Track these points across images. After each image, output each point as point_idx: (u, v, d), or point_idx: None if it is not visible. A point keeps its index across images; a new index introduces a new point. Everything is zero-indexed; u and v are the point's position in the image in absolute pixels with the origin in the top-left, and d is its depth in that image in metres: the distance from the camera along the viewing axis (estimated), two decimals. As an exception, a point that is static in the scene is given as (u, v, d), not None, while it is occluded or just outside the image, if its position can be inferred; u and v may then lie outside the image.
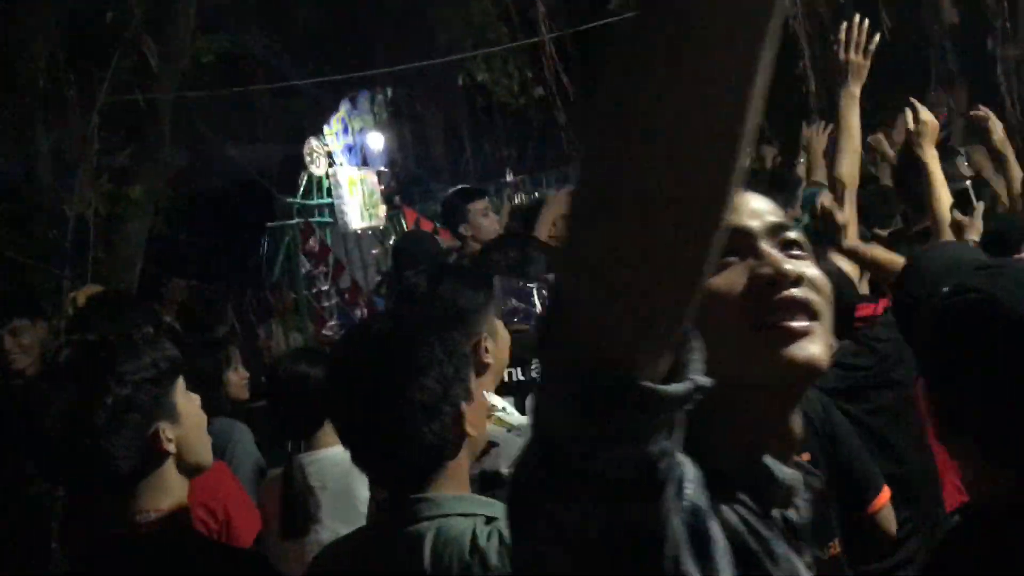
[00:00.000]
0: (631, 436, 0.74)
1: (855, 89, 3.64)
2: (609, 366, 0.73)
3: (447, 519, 1.74)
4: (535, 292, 2.02)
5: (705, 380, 0.79)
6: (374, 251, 9.71)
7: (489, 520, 1.74)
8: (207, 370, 3.93)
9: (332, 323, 8.39)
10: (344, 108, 9.42)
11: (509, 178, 10.39)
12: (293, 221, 8.20)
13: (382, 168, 9.53)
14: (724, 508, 0.89)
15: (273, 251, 9.62)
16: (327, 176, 8.93)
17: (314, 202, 8.76)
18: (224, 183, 11.06)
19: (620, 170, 0.70)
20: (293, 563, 2.78)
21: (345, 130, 9.41)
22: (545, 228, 5.74)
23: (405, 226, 10.97)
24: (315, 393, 2.90)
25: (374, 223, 9.64)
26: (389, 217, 10.41)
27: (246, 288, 10.72)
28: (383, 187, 9.99)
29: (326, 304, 8.50)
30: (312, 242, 8.21)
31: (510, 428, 2.30)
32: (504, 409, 2.45)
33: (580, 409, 0.74)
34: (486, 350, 2.39)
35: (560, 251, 0.80)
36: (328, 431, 3.02)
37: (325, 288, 8.57)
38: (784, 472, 0.99)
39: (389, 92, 10.02)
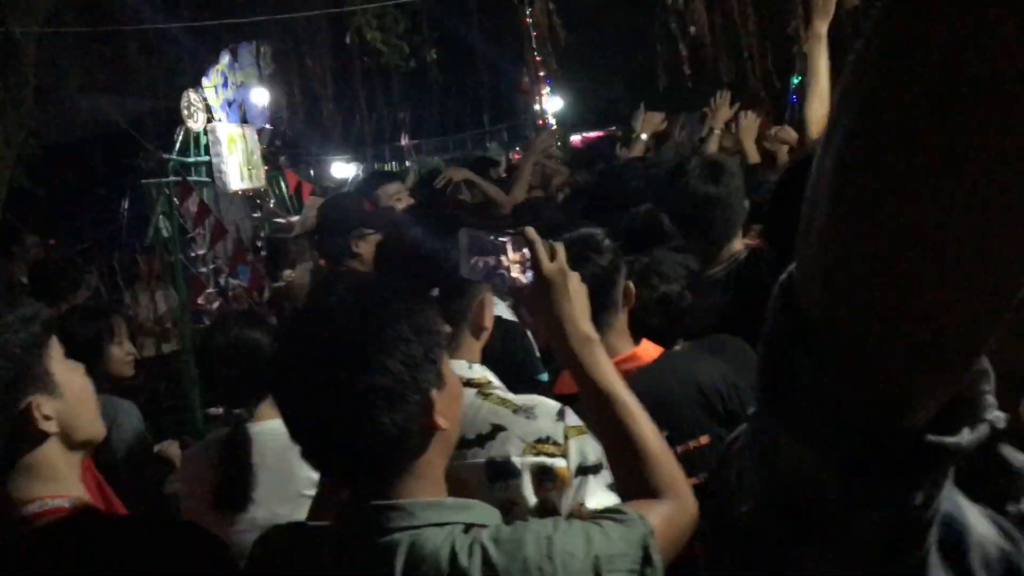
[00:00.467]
0: (904, 493, 0.62)
1: (820, 28, 3.43)
2: (887, 415, 0.58)
3: (420, 531, 1.46)
4: (508, 247, 1.73)
5: (1000, 417, 0.63)
6: (255, 214, 9.18)
7: (468, 528, 1.48)
8: (85, 341, 3.55)
9: (209, 291, 7.85)
10: (224, 60, 8.81)
11: (404, 142, 9.96)
12: (169, 179, 7.59)
13: (267, 126, 8.97)
14: (974, 508, 0.76)
15: (145, 210, 8.98)
16: (205, 132, 8.33)
17: (191, 159, 8.15)
18: (91, 135, 10.28)
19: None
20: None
21: (225, 84, 8.81)
22: (522, 190, 5.49)
23: (286, 189, 10.46)
24: (264, 360, 2.73)
25: (254, 184, 9.10)
26: (269, 179, 9.88)
27: (113, 249, 10.04)
28: (264, 146, 9.45)
29: (203, 269, 7.94)
30: (190, 202, 7.62)
31: (516, 409, 2.01)
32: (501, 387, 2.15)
33: (846, 467, 0.60)
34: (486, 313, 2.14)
35: (811, 254, 0.59)
36: (269, 403, 2.78)
37: (202, 252, 8.00)
38: (1019, 460, 0.86)
39: (271, 47, 9.45)
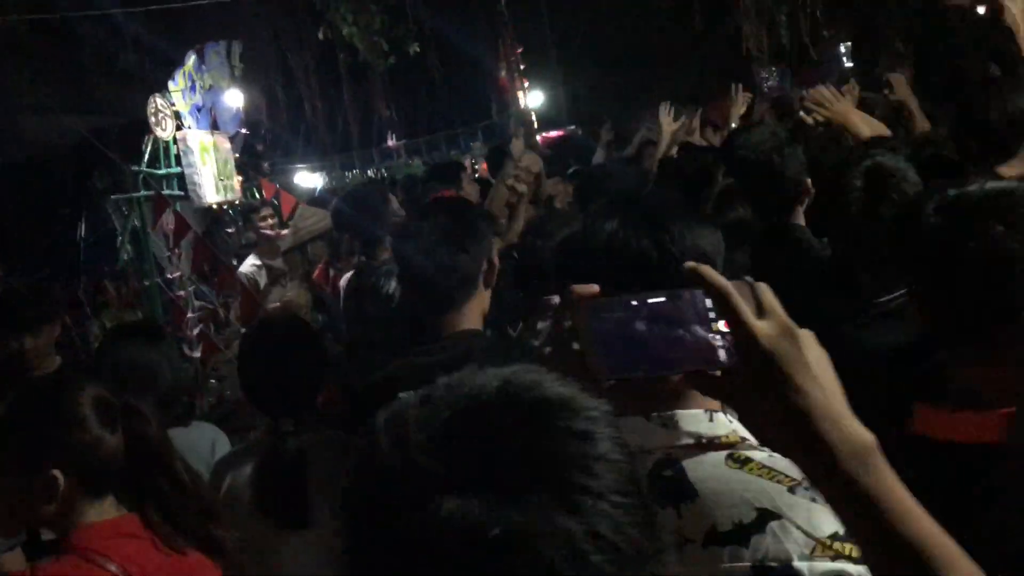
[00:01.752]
0: None
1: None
2: None
3: None
4: (669, 312, 1.03)
5: None
6: (229, 230, 8.41)
7: None
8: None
9: (191, 315, 7.07)
10: (191, 62, 8.03)
11: (391, 143, 9.22)
12: (141, 193, 6.80)
13: (242, 130, 8.19)
14: None
15: (107, 232, 8.20)
16: (175, 141, 7.54)
17: (162, 171, 7.37)
18: (41, 153, 9.40)
19: None
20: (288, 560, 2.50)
21: (192, 87, 8.03)
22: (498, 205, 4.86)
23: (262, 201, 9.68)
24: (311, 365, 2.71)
25: (230, 197, 8.31)
26: (244, 190, 9.10)
27: (73, 276, 9.21)
28: (237, 155, 8.67)
29: (181, 293, 7.15)
30: (166, 218, 6.84)
31: (793, 484, 1.32)
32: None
33: None
34: None
35: None
36: None
37: (178, 274, 7.22)
38: None
39: (238, 47, 8.65)
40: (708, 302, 1.01)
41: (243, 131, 8.37)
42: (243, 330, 7.27)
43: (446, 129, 11.40)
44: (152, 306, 6.89)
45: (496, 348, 2.42)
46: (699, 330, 1.01)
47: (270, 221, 7.62)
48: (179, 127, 7.58)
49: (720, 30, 13.84)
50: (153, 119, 7.31)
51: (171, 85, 7.79)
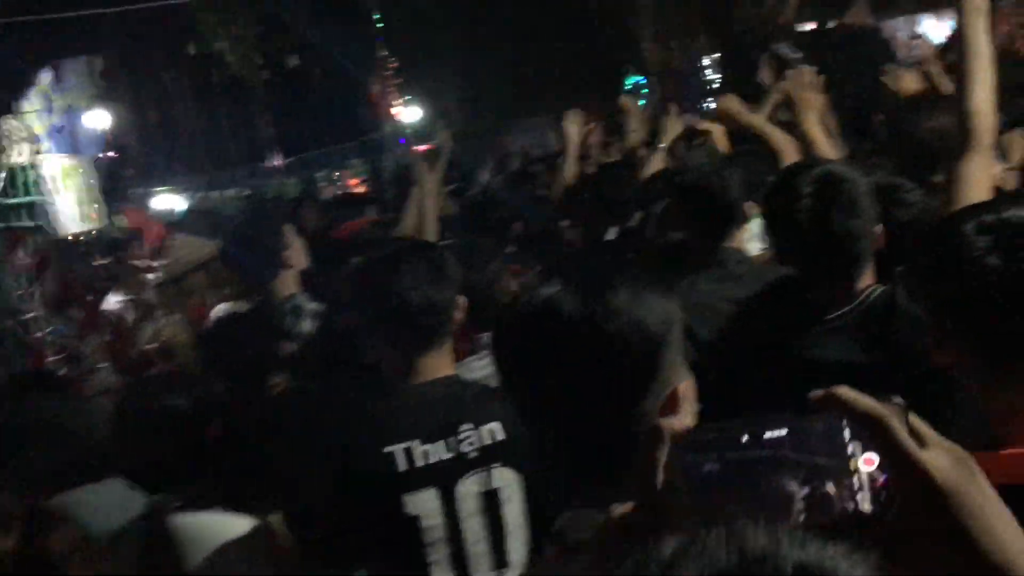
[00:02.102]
0: None
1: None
2: None
3: None
4: (791, 447, 0.79)
5: None
6: (101, 262, 7.75)
7: None
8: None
9: (53, 358, 6.44)
10: (46, 80, 7.39)
11: (276, 162, 8.75)
12: (-10, 227, 6.17)
13: (106, 153, 7.60)
14: None
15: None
16: (31, 166, 6.92)
17: (13, 200, 6.73)
18: None
19: None
20: None
21: (49, 108, 7.40)
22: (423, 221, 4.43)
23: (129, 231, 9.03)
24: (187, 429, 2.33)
25: (91, 226, 7.69)
26: (106, 217, 8.45)
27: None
28: (93, 181, 8.02)
29: (39, 334, 6.51)
30: (21, 253, 6.21)
31: None
32: None
33: None
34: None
35: None
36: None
37: (36, 314, 6.58)
38: None
39: (100, 64, 8.00)
40: (846, 433, 0.79)
41: (107, 154, 7.76)
42: (100, 365, 6.71)
43: (322, 146, 10.94)
44: (7, 350, 6.24)
45: (484, 396, 2.17)
46: (834, 470, 0.79)
47: (147, 252, 7.09)
48: (37, 151, 6.97)
49: (601, 42, 13.85)
50: (3, 143, 6.67)
51: (25, 105, 7.16)
